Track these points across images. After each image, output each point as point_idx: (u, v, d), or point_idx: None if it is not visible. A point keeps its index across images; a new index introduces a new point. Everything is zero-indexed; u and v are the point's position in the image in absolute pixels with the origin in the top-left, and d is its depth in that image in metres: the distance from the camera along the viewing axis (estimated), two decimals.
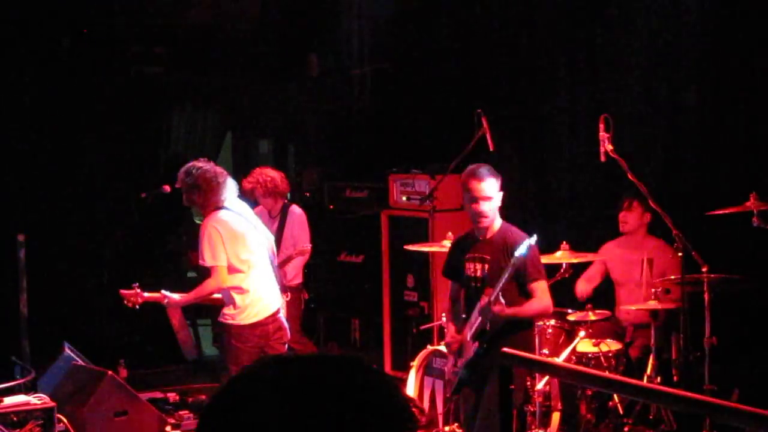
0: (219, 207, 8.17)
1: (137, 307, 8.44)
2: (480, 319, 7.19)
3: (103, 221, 11.84)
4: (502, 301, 7.01)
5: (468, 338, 7.33)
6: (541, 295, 7.25)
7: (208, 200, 8.13)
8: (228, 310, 8.19)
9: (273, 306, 8.38)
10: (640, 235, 9.14)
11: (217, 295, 8.26)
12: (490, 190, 7.28)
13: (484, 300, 7.08)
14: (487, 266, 7.33)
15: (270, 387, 1.68)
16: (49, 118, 11.51)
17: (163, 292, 8.28)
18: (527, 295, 7.27)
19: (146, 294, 8.34)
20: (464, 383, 7.44)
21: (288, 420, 1.61)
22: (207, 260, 8.00)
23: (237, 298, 8.16)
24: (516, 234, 7.30)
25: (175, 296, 8.30)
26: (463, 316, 7.53)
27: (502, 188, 7.39)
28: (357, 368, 1.73)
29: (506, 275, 6.95)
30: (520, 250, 6.88)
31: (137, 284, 8.40)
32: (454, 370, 7.54)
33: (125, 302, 8.42)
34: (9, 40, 11.38)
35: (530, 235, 7.10)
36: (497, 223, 7.41)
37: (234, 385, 1.72)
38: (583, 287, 9.33)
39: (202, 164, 8.24)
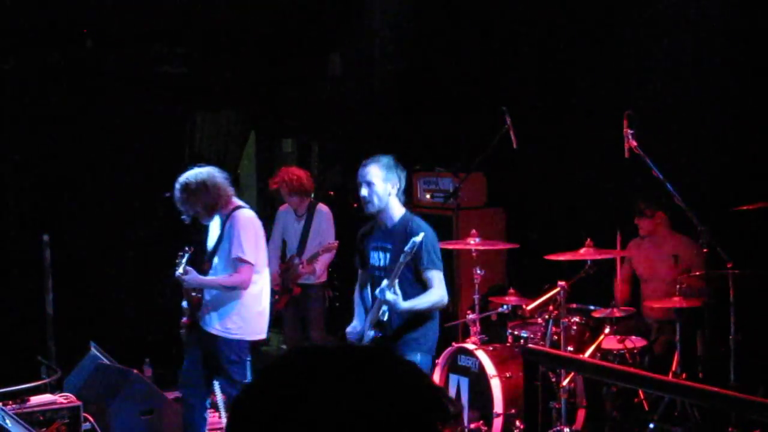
0: (240, 205, 8.17)
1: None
2: (377, 307, 7.30)
3: (128, 221, 11.88)
4: (398, 292, 7.10)
5: (367, 327, 7.44)
6: (437, 285, 7.32)
7: (222, 199, 8.09)
8: (232, 323, 8.07)
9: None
10: (663, 232, 9.11)
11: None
12: (372, 174, 7.41)
13: (382, 285, 7.18)
14: (389, 255, 7.43)
15: (302, 377, 1.68)
16: (73, 118, 11.55)
17: (187, 268, 8.02)
18: (423, 284, 7.33)
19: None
20: None
21: (319, 410, 1.62)
22: (239, 253, 7.92)
23: (246, 306, 8.09)
24: (416, 224, 7.40)
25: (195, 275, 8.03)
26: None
27: (398, 179, 7.49)
28: (388, 359, 1.73)
29: (398, 268, 7.08)
30: (408, 246, 7.03)
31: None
32: None
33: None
34: (32, 41, 11.43)
35: (422, 228, 7.31)
36: (397, 211, 7.51)
37: (266, 375, 1.72)
38: (625, 291, 9.32)
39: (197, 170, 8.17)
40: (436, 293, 7.31)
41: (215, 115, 13.64)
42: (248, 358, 8.16)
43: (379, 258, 7.54)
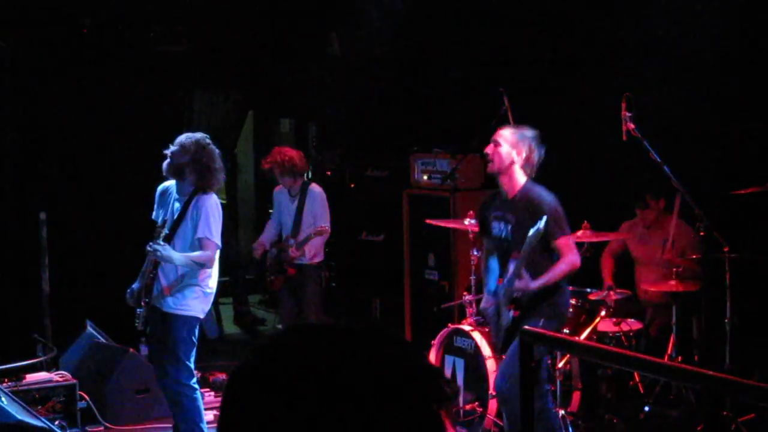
0: (213, 189, 8.13)
1: None
2: (510, 283, 7.29)
3: (124, 200, 11.86)
4: (526, 275, 7.11)
5: (503, 303, 7.41)
6: (566, 251, 7.29)
7: (212, 180, 8.06)
8: (186, 299, 7.99)
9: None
10: (660, 216, 9.11)
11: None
12: (503, 136, 7.43)
13: (508, 273, 7.18)
14: (510, 227, 7.41)
15: (297, 356, 1.68)
16: (70, 98, 11.52)
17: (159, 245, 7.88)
18: (550, 253, 7.31)
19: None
20: (507, 345, 7.48)
21: (314, 388, 1.62)
22: (206, 233, 7.84)
23: (201, 285, 8.02)
24: (539, 196, 7.34)
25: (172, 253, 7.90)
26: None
27: (528, 151, 7.43)
28: (384, 338, 1.73)
29: (524, 255, 7.08)
30: (532, 232, 7.01)
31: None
32: (496, 332, 7.61)
33: None
34: (30, 21, 11.39)
35: (552, 194, 7.30)
36: (520, 180, 7.45)
37: (262, 353, 1.72)
38: (609, 265, 9.28)
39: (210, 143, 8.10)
40: (567, 261, 7.29)
41: (213, 95, 13.61)
42: (196, 339, 8.12)
43: (500, 229, 7.53)
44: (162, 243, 7.82)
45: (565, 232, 7.32)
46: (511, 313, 7.34)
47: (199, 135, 8.08)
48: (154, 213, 8.31)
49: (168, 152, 8.03)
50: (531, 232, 7.01)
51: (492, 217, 7.61)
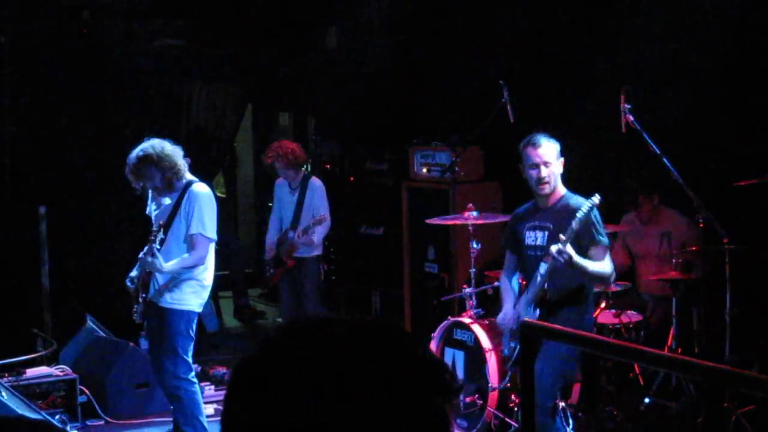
0: (193, 179, 8.07)
1: None
2: (540, 284, 7.14)
3: (124, 194, 11.85)
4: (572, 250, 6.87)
5: (527, 304, 7.25)
6: (606, 260, 7.11)
7: (179, 162, 8.01)
8: (183, 294, 7.98)
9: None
10: (657, 209, 9.12)
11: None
12: (548, 155, 7.21)
13: (558, 245, 6.89)
14: (547, 234, 7.20)
15: (303, 349, 1.68)
16: (70, 91, 11.51)
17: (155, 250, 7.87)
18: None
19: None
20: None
21: (319, 382, 1.62)
22: (200, 229, 7.85)
23: (198, 279, 8.01)
24: (578, 203, 7.11)
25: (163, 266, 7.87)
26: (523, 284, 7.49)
27: (563, 158, 7.31)
28: (389, 332, 1.73)
29: (572, 228, 6.86)
30: (582, 209, 6.86)
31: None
32: (510, 346, 7.50)
33: None
34: (29, 14, 11.38)
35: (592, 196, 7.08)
36: (561, 189, 7.33)
37: (267, 347, 1.72)
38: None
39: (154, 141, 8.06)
40: (608, 265, 7.10)
41: (212, 88, 13.60)
42: (193, 333, 8.10)
43: (535, 237, 7.31)
44: (155, 255, 7.79)
45: (603, 241, 7.12)
46: (537, 312, 7.21)
47: (143, 147, 8.02)
48: (147, 208, 8.32)
49: (148, 187, 8.07)
50: (579, 214, 6.86)
51: (527, 228, 7.39)
